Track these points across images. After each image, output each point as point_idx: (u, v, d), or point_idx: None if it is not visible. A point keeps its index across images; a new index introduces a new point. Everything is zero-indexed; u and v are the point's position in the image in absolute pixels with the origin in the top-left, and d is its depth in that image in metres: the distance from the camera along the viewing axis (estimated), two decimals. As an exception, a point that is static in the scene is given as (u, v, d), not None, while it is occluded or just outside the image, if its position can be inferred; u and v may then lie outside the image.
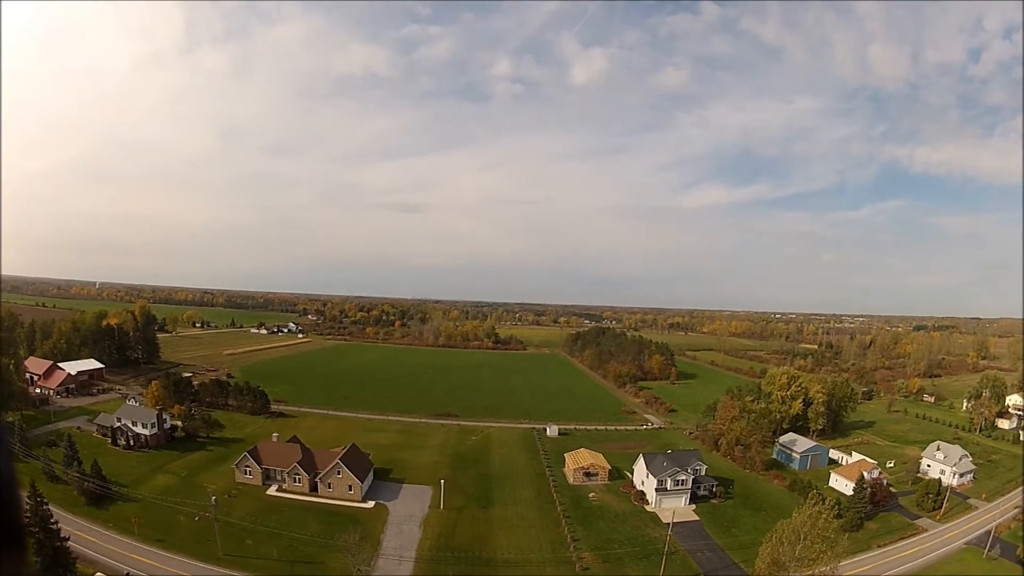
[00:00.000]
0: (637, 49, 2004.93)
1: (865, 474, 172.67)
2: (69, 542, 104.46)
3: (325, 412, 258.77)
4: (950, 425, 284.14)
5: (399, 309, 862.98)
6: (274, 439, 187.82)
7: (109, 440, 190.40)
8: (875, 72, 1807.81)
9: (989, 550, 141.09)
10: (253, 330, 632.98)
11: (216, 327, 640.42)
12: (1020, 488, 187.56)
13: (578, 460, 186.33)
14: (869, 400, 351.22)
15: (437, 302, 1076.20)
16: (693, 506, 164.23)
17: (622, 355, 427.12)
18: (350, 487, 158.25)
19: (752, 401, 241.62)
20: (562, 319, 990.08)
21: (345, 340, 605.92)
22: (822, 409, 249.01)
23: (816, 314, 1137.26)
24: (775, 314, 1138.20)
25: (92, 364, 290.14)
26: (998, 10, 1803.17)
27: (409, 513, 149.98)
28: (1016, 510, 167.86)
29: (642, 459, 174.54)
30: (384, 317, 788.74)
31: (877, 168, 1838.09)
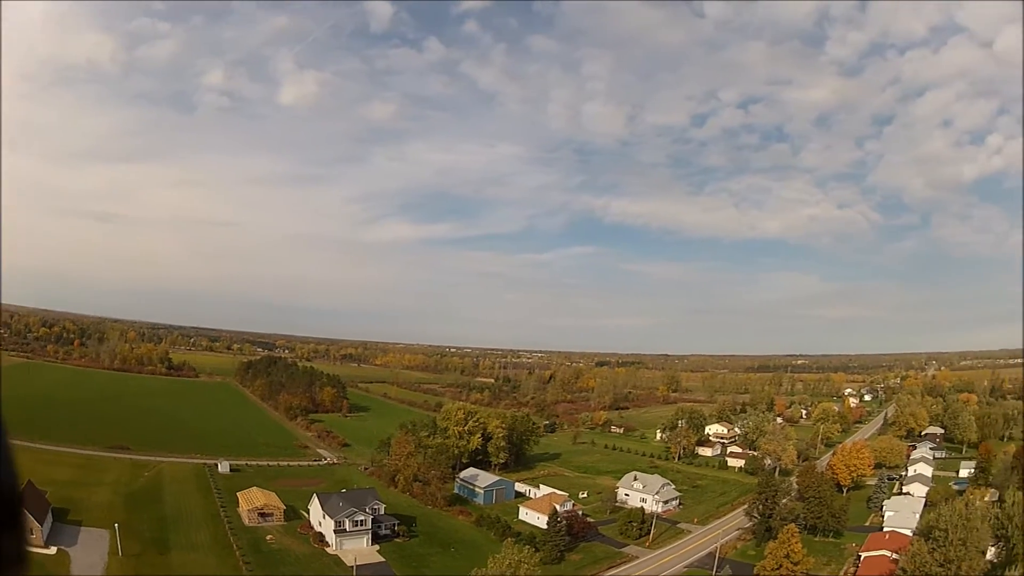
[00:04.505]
0: (351, 78, 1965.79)
1: (557, 506, 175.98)
2: None
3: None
4: (644, 455, 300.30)
5: (80, 327, 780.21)
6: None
7: None
8: (586, 127, 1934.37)
9: (718, 570, 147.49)
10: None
11: None
12: (737, 510, 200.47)
13: (251, 500, 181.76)
14: (552, 433, 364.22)
15: (116, 321, 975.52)
16: (376, 547, 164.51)
17: (293, 386, 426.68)
18: (31, 531, 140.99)
19: (427, 436, 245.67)
20: (235, 346, 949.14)
21: (28, 358, 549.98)
22: (503, 443, 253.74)
23: (493, 349, 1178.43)
24: (450, 348, 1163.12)
25: None
26: (741, 84, 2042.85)
27: (90, 561, 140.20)
28: (738, 531, 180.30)
29: (316, 499, 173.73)
30: (65, 334, 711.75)
31: (570, 215, 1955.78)
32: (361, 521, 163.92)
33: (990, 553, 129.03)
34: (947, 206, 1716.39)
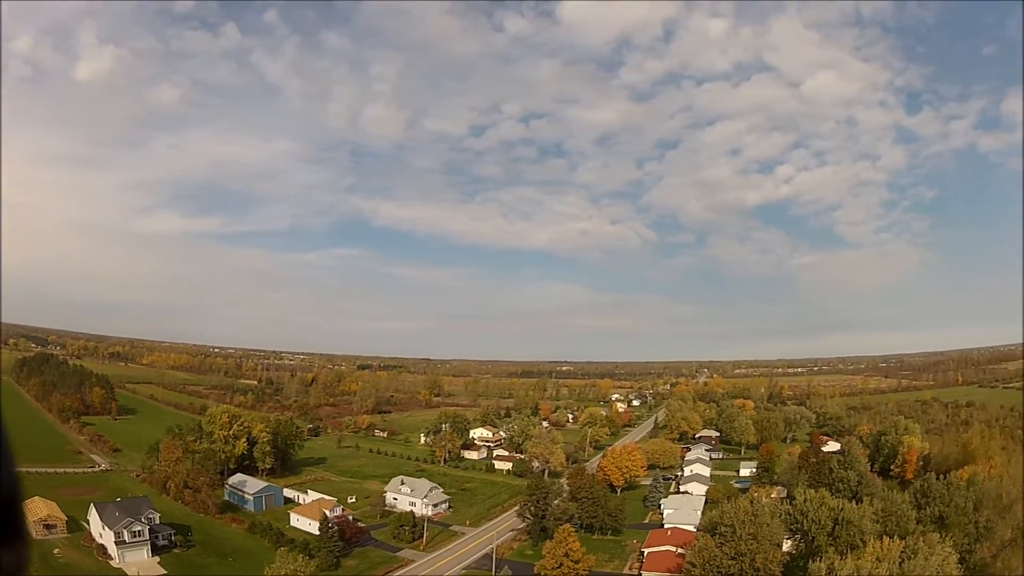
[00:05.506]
0: (146, 57, 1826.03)
1: (327, 512, 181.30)
2: None
3: None
4: (410, 458, 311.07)
5: None
6: None
7: None
8: (364, 129, 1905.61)
9: (498, 570, 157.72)
10: None
11: None
12: (508, 512, 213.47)
13: (35, 511, 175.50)
14: (316, 437, 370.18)
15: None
16: (157, 558, 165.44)
17: (65, 386, 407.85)
18: None
19: (194, 441, 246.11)
20: (11, 340, 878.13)
21: None
22: (268, 448, 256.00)
23: (255, 350, 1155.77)
24: (213, 348, 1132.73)
25: None
26: (527, 99, 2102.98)
27: None
28: (512, 532, 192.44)
29: (94, 509, 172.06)
30: None
31: (337, 216, 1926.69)
32: (139, 532, 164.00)
33: (787, 546, 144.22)
34: (726, 228, 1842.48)
